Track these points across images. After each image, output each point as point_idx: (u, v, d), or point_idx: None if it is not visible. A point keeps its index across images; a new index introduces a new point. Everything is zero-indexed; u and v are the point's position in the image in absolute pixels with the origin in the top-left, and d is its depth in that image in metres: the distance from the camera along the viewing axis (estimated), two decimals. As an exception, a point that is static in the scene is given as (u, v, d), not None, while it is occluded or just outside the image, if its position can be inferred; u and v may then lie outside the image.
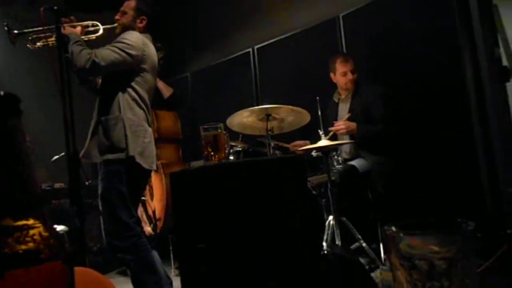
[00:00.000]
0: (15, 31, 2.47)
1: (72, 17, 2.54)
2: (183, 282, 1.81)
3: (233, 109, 2.67)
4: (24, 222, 0.31)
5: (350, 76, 3.11)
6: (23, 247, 0.31)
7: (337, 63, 3.15)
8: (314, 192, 2.89)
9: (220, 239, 1.68)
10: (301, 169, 1.67)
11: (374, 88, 3.10)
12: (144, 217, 3.23)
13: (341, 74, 3.13)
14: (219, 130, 1.89)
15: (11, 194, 0.31)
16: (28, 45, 2.53)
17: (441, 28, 3.08)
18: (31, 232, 0.32)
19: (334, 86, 3.32)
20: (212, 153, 1.85)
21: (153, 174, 3.18)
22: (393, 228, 0.56)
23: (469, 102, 2.96)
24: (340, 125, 2.93)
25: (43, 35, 2.51)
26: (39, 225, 0.32)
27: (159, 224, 3.28)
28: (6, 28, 2.45)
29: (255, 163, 1.71)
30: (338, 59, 3.16)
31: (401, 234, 0.64)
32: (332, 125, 2.98)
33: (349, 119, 2.97)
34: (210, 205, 1.72)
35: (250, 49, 4.39)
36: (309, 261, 1.68)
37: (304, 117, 2.72)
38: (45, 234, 0.32)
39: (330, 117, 3.21)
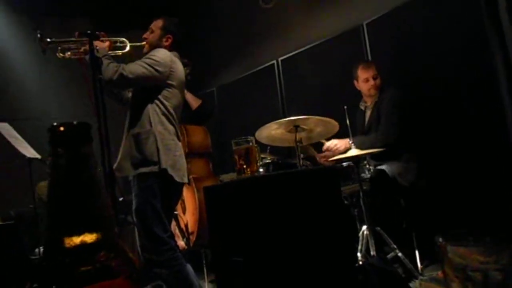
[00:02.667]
0: (48, 39, 2.48)
1: (103, 33, 2.61)
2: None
3: (260, 121, 2.68)
4: (98, 239, 0.33)
5: (372, 82, 3.08)
6: (97, 264, 0.33)
7: (359, 69, 3.13)
8: (346, 202, 2.86)
9: (256, 252, 1.68)
10: (335, 180, 1.67)
11: (394, 94, 3.05)
12: (177, 231, 3.27)
13: (363, 81, 3.11)
14: (251, 144, 1.91)
15: (87, 213, 0.33)
16: (57, 54, 2.56)
17: (470, 33, 3.02)
18: (104, 249, 0.34)
19: (360, 94, 3.30)
20: (244, 166, 1.87)
21: (185, 188, 3.22)
22: (441, 240, 0.55)
23: (503, 108, 2.88)
24: (326, 153, 2.94)
25: (73, 45, 2.55)
26: (112, 243, 0.34)
27: (192, 238, 3.30)
28: (39, 35, 2.46)
29: (289, 176, 1.72)
30: (360, 66, 3.14)
31: (449, 246, 0.63)
32: (362, 133, 2.95)
33: (365, 131, 2.95)
34: (245, 218, 1.74)
35: (275, 61, 4.43)
36: (345, 273, 1.66)
37: (332, 127, 2.71)
38: (117, 252, 0.34)
39: (359, 126, 3.18)
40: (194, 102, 3.86)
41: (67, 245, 0.32)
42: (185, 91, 3.66)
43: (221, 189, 1.86)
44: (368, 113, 3.22)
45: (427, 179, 2.93)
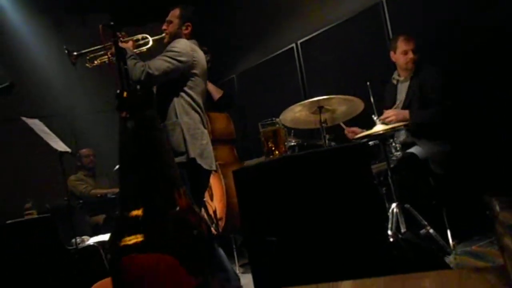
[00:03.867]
0: (75, 53, 2.64)
1: (123, 33, 2.66)
2: (255, 276, 1.86)
3: (283, 105, 2.68)
4: (171, 195, 0.35)
5: (411, 55, 3.00)
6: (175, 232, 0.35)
7: (399, 41, 3.04)
8: (374, 181, 2.84)
9: (288, 231, 1.70)
10: (364, 157, 1.66)
11: (435, 70, 2.98)
12: (205, 217, 3.32)
13: (402, 53, 3.03)
14: (277, 125, 1.92)
15: (158, 172, 0.34)
16: (86, 65, 2.69)
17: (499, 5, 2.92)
18: (182, 214, 0.35)
19: (384, 72, 3.25)
20: (273, 148, 1.88)
21: (212, 174, 3.27)
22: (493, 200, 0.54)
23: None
24: (390, 114, 2.87)
25: (100, 53, 2.66)
26: (187, 207, 0.36)
27: (221, 224, 3.35)
28: (66, 51, 2.62)
29: (319, 154, 1.72)
30: (401, 37, 3.05)
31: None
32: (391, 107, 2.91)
33: (407, 106, 2.89)
34: (275, 199, 1.75)
35: (294, 44, 4.40)
36: (378, 249, 1.67)
37: (357, 105, 2.69)
38: (193, 216, 0.36)
39: (388, 100, 3.12)
40: (216, 92, 3.89)
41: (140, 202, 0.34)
42: (207, 82, 3.69)
43: (251, 171, 1.88)
44: (402, 87, 3.15)
45: (459, 161, 2.87)
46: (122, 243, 0.34)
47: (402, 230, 2.45)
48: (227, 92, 4.08)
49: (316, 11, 4.25)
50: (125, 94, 0.36)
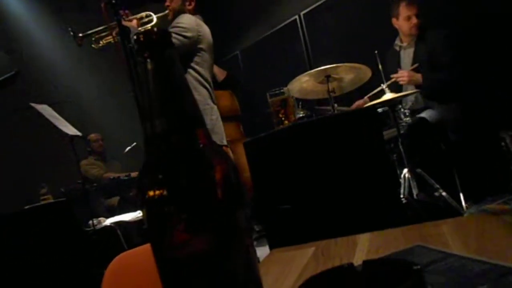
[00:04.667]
0: (80, 34, 2.65)
1: (127, 11, 2.65)
2: (270, 243, 1.88)
3: (289, 79, 2.66)
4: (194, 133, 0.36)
5: (414, 20, 2.94)
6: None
7: (401, 6, 2.97)
8: (384, 146, 2.84)
9: (302, 198, 1.72)
10: (375, 120, 1.66)
11: (441, 32, 2.92)
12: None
13: (405, 19, 2.96)
14: (286, 94, 1.91)
15: (180, 109, 0.35)
16: (93, 45, 2.69)
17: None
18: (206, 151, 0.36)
19: (390, 40, 3.20)
20: (282, 118, 1.87)
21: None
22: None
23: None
24: (404, 74, 2.83)
25: (104, 33, 2.66)
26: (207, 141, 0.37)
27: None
28: (71, 33, 2.62)
29: (329, 120, 1.72)
30: (403, 2, 2.97)
31: None
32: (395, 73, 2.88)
33: (415, 69, 2.86)
34: (287, 167, 1.76)
35: (297, 16, 4.34)
36: (392, 210, 1.68)
37: (364, 73, 2.66)
38: (219, 156, 0.37)
39: (391, 67, 3.08)
40: (220, 74, 3.86)
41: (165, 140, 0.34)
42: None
43: (262, 142, 1.89)
44: (405, 53, 3.10)
45: (471, 123, 2.85)
46: (147, 181, 0.35)
47: (415, 194, 2.46)
48: (231, 73, 4.06)
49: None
50: (141, 37, 0.36)
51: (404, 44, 3.09)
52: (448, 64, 2.80)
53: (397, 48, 3.14)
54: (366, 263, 0.52)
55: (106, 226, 3.14)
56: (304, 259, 0.77)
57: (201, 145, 0.35)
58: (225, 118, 3.67)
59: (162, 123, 0.34)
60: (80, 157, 3.44)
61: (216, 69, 3.82)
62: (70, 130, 3.06)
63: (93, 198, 3.68)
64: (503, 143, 0.58)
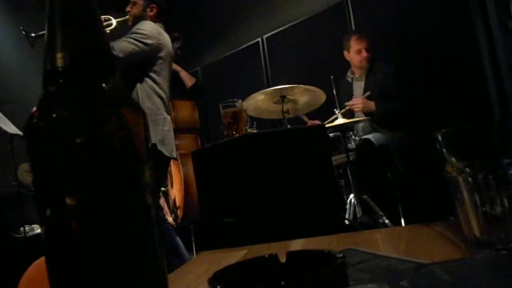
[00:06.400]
0: (32, 34, 2.54)
1: None
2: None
3: (246, 97, 2.65)
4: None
5: (365, 54, 3.07)
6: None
7: (352, 40, 3.11)
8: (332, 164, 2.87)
9: (246, 212, 1.68)
10: (323, 137, 1.67)
11: (389, 66, 3.07)
12: (165, 207, 3.25)
13: (356, 52, 3.09)
14: (238, 106, 1.90)
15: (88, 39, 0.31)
16: None
17: (453, 5, 3.06)
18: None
19: (346, 69, 3.30)
20: (233, 132, 1.85)
21: (172, 163, 3.20)
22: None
23: (485, 76, 2.93)
24: (358, 102, 2.92)
25: None
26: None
27: (179, 212, 3.29)
28: (23, 32, 2.51)
29: (279, 133, 1.71)
30: (353, 37, 3.12)
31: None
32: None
33: (368, 97, 2.95)
34: (233, 180, 1.73)
35: (259, 39, 4.40)
36: (335, 230, 1.67)
37: (319, 96, 2.71)
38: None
39: (344, 97, 3.18)
40: (188, 80, 3.83)
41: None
42: (180, 69, 3.63)
43: (208, 152, 1.85)
44: (357, 84, 3.22)
45: (414, 148, 2.96)
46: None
47: (358, 218, 2.49)
48: (200, 81, 4.02)
49: (282, 7, 4.29)
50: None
51: (356, 76, 3.21)
52: (397, 96, 2.92)
53: (349, 80, 3.25)
54: (289, 253, 0.49)
55: (38, 234, 2.94)
56: (233, 260, 0.73)
57: (105, 87, 0.31)
58: (184, 129, 3.63)
59: (64, 56, 0.30)
60: (19, 159, 3.23)
61: (185, 75, 3.78)
62: (11, 128, 2.88)
63: (30, 204, 3.45)
64: (438, 147, 0.58)
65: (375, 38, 3.45)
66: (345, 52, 3.19)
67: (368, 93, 2.99)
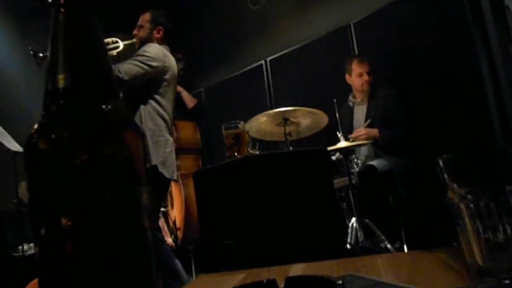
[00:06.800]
0: (40, 54, 2.56)
1: None
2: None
3: (249, 119, 2.67)
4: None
5: (366, 77, 3.09)
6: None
7: (353, 64, 3.14)
8: (333, 187, 2.86)
9: (247, 234, 1.66)
10: (325, 160, 1.67)
11: (392, 91, 3.08)
12: (165, 228, 3.23)
13: (357, 75, 3.11)
14: (241, 128, 1.90)
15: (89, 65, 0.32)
16: None
17: (454, 30, 3.09)
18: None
19: (349, 92, 3.32)
20: (235, 153, 1.85)
21: (173, 184, 3.19)
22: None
23: (487, 101, 2.94)
24: (361, 132, 2.91)
25: None
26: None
27: (180, 234, 3.26)
28: (31, 52, 2.54)
29: (281, 155, 1.71)
30: (355, 60, 3.15)
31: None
32: (349, 130, 2.96)
33: (369, 125, 2.95)
34: (234, 202, 1.72)
35: (263, 61, 4.45)
36: (335, 254, 1.65)
37: (321, 119, 2.72)
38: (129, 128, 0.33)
39: (345, 122, 3.19)
40: (190, 101, 3.85)
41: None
42: (182, 90, 3.66)
43: (210, 173, 1.84)
44: (359, 109, 3.22)
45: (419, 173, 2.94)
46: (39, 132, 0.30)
47: (360, 242, 2.47)
48: (201, 102, 4.05)
49: (287, 30, 4.34)
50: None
51: (358, 100, 3.22)
52: (399, 120, 2.93)
53: (351, 104, 3.25)
54: (288, 279, 0.48)
55: (37, 253, 2.91)
56: (231, 283, 0.72)
57: (105, 108, 0.31)
58: (185, 150, 3.63)
59: (65, 77, 0.31)
60: (20, 176, 3.23)
61: (186, 96, 3.80)
62: (14, 146, 2.89)
63: (29, 222, 3.42)
64: (440, 174, 0.58)
65: (377, 62, 3.49)
66: (347, 76, 3.21)
67: (369, 121, 2.98)
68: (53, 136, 0.30)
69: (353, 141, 2.88)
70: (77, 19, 0.32)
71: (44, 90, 0.31)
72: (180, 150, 3.45)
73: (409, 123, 2.94)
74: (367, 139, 2.93)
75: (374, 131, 2.93)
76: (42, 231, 0.31)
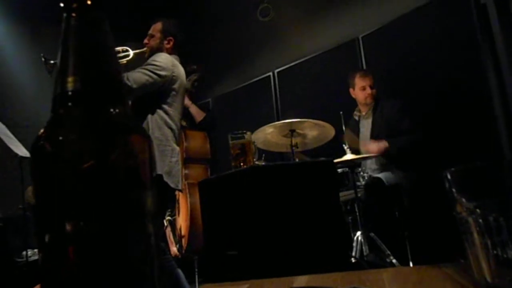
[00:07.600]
0: (52, 61, 2.58)
1: None
2: None
3: (256, 130, 2.66)
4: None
5: (369, 90, 3.10)
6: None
7: (356, 77, 3.15)
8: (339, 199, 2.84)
9: (251, 244, 1.65)
10: (332, 172, 1.66)
11: (396, 102, 3.07)
12: (171, 237, 3.21)
13: (360, 89, 3.12)
14: (247, 138, 1.90)
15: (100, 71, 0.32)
16: None
17: (462, 44, 3.09)
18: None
19: (356, 105, 3.32)
20: (241, 163, 1.85)
21: (179, 193, 3.19)
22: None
23: (495, 114, 2.92)
24: (372, 146, 2.90)
25: None
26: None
27: (184, 242, 3.25)
28: (43, 59, 2.56)
29: (286, 167, 1.70)
30: (357, 74, 3.17)
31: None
32: (355, 144, 2.95)
33: (375, 138, 2.94)
34: (239, 211, 1.71)
35: (271, 73, 4.46)
36: (340, 267, 1.63)
37: (328, 131, 2.71)
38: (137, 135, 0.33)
39: (351, 137, 3.17)
40: (197, 115, 3.85)
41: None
42: (191, 103, 3.67)
43: (215, 182, 1.84)
44: (364, 122, 3.22)
45: (423, 187, 2.91)
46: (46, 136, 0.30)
47: (365, 256, 2.44)
48: (209, 115, 4.05)
49: (296, 42, 4.37)
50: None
51: (363, 114, 3.21)
52: (407, 130, 2.91)
53: (356, 118, 3.25)
54: (293, 290, 0.48)
55: (41, 259, 2.91)
56: (235, 294, 0.71)
57: (113, 112, 0.31)
58: (195, 159, 3.62)
59: (74, 80, 0.31)
60: (27, 182, 3.25)
61: (194, 110, 3.81)
62: (21, 151, 2.91)
63: (33, 228, 3.43)
64: (447, 186, 0.57)
65: (385, 75, 3.50)
66: (351, 90, 3.23)
67: (372, 141, 2.97)
68: (59, 138, 0.30)
69: (357, 151, 2.87)
70: (88, 23, 0.32)
71: (52, 92, 0.31)
72: (189, 160, 3.44)
73: (416, 134, 2.92)
74: (379, 152, 2.90)
75: (384, 143, 2.92)
76: (46, 235, 0.31)
